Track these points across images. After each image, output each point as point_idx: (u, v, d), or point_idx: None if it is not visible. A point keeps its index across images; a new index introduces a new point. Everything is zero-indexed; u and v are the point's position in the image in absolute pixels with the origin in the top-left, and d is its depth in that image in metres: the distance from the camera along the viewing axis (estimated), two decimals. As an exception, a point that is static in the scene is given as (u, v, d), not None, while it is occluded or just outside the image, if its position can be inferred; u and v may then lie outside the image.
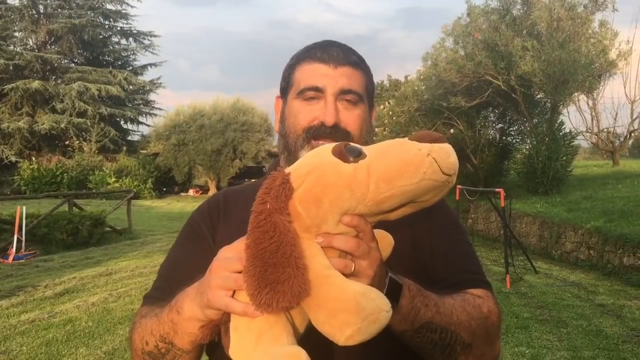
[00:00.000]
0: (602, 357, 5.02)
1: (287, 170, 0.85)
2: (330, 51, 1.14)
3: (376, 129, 21.36)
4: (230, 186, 1.27)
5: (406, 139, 0.85)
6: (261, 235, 0.80)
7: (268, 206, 0.81)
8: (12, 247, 9.86)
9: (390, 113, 19.88)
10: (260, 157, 34.51)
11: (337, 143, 0.85)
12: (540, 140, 15.88)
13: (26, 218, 10.22)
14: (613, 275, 8.80)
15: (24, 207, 10.35)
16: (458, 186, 11.15)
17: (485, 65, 15.86)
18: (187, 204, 25.70)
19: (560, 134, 16.08)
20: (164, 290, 1.14)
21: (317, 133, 1.10)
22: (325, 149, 0.85)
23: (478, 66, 16.02)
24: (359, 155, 0.82)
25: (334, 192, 0.80)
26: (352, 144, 0.85)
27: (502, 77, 15.80)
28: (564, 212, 11.93)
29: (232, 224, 1.15)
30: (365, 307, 0.78)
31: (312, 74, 1.12)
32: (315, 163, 0.83)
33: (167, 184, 32.64)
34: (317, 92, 1.11)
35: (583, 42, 15.34)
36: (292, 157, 1.11)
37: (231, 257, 0.88)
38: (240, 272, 0.84)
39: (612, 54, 16.13)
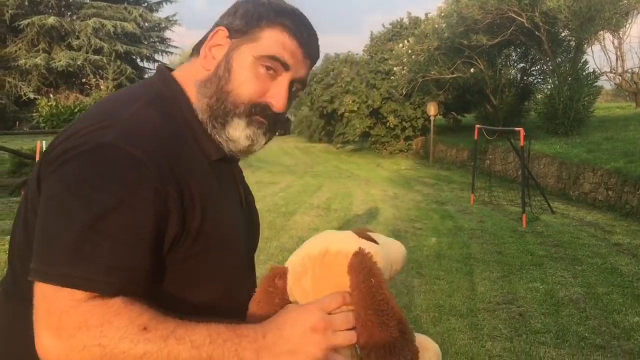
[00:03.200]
0: (616, 294, 5.06)
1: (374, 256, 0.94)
2: (312, 41, 1.08)
3: (395, 68, 21.06)
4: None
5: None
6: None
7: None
8: (34, 181, 10.02)
9: (410, 52, 19.49)
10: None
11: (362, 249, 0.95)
12: (562, 80, 15.55)
13: (46, 153, 10.34)
14: (631, 215, 8.77)
15: (44, 142, 10.45)
16: (477, 125, 11.03)
17: (509, 1, 15.37)
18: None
19: (584, 73, 15.72)
20: (144, 286, 0.88)
21: (261, 113, 1.04)
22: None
23: (501, 2, 15.53)
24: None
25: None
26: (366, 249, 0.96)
27: (526, 14, 15.33)
28: (583, 153, 11.80)
29: (198, 179, 0.99)
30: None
31: (286, 47, 1.03)
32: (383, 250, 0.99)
33: (183, 122, 32.65)
34: (280, 68, 1.03)
35: (612, -23, 14.75)
36: (219, 117, 1.03)
37: (334, 316, 0.90)
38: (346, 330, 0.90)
39: (642, -10, 15.52)
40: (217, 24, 1.07)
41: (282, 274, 0.99)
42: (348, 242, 0.96)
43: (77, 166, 0.87)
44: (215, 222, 0.99)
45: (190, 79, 1.06)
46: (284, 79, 1.04)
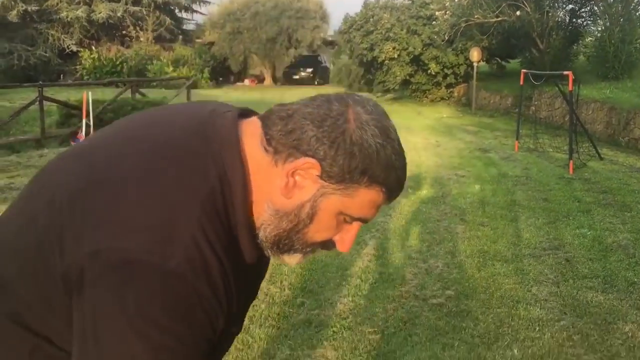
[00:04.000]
0: (667, 240, 4.97)
1: None
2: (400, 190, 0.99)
3: (437, 13, 20.45)
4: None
5: None
6: None
7: None
8: (82, 131, 10.27)
9: (452, -5, 18.89)
10: (316, 45, 33.84)
11: None
12: (614, 21, 14.85)
13: (92, 104, 10.54)
14: (683, 162, 8.50)
15: (89, 93, 10.64)
16: (523, 70, 10.71)
17: (558, -62, 14.65)
18: (243, 93, 25.89)
19: (637, 14, 14.99)
20: None
21: (324, 248, 0.99)
22: None
23: (551, -60, 14.82)
24: None
25: None
26: None
27: (577, -48, 14.60)
28: (634, 97, 11.38)
29: (237, 295, 0.93)
30: None
31: (375, 205, 0.95)
32: None
33: (222, 73, 32.70)
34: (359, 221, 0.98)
35: None
36: (282, 249, 0.96)
37: None
38: None
39: None
40: (307, 145, 0.89)
41: None
42: None
43: (139, 290, 0.79)
44: (230, 317, 0.93)
45: (261, 180, 0.92)
46: (357, 225, 0.98)
